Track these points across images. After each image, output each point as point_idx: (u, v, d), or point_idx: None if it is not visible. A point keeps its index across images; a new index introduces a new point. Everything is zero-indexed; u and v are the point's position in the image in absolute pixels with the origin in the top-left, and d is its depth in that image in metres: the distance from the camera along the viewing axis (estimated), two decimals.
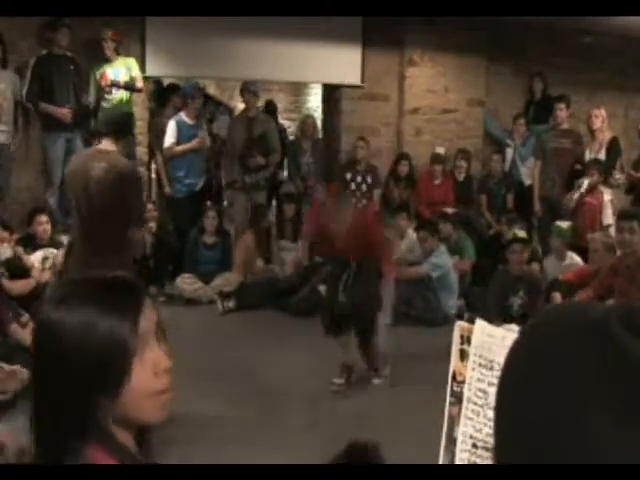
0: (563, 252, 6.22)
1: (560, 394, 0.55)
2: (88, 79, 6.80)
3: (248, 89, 7.30)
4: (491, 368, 0.99)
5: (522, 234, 5.86)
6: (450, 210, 7.48)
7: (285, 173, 8.39)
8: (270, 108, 9.70)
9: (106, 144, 4.08)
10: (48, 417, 1.02)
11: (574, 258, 6.16)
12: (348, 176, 7.70)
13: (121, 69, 6.88)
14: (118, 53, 6.86)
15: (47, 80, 6.49)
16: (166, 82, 8.61)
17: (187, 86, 8.06)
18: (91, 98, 6.84)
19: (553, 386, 0.56)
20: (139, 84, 6.95)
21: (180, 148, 7.19)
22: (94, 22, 6.55)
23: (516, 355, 0.61)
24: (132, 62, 6.95)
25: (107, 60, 6.82)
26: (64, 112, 6.49)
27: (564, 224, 6.43)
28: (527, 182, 7.79)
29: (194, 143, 7.19)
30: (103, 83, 6.80)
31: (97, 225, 3.89)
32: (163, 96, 8.21)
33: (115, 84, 6.79)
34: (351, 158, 7.81)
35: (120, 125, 4.26)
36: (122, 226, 3.90)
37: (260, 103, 9.57)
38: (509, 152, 8.08)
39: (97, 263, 3.74)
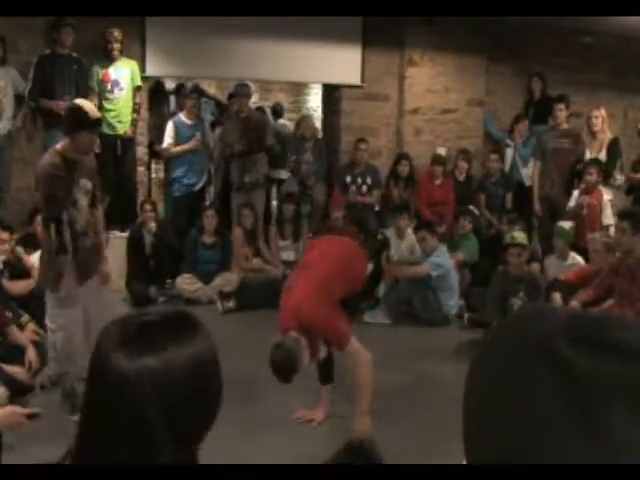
0: (565, 252, 6.21)
1: (515, 412, 0.55)
2: (91, 78, 6.80)
3: (241, 92, 7.31)
4: None
5: (521, 235, 5.85)
6: (472, 208, 7.56)
7: (284, 173, 8.40)
8: (277, 109, 9.75)
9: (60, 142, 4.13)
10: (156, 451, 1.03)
11: (576, 258, 6.15)
12: (348, 179, 7.69)
13: (124, 70, 6.89)
14: (122, 53, 6.88)
15: (49, 79, 6.49)
16: (168, 83, 8.63)
17: (186, 86, 8.08)
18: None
19: (510, 405, 0.56)
20: (138, 99, 7.03)
21: (178, 149, 7.20)
22: (97, 22, 6.55)
23: (474, 369, 0.62)
24: (135, 66, 6.96)
25: (110, 60, 6.82)
26: (61, 105, 6.46)
27: (566, 224, 6.42)
28: (528, 183, 7.77)
29: (191, 144, 7.20)
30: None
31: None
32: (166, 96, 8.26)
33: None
34: (351, 160, 7.81)
35: (65, 120, 4.12)
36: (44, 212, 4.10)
37: (269, 104, 9.62)
38: (509, 152, 8.08)
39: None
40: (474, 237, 7.11)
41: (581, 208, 6.76)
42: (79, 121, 3.93)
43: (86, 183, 4.10)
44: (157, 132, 7.63)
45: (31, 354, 4.37)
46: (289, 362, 3.55)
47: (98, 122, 4.17)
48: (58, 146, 4.04)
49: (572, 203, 6.92)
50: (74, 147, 3.98)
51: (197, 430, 1.07)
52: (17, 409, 2.11)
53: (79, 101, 4.24)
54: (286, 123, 9.72)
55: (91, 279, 4.20)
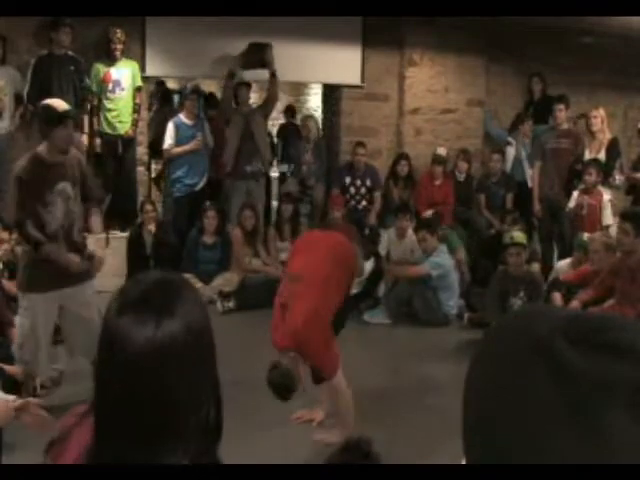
0: (583, 263, 5.91)
1: (514, 412, 0.55)
2: (90, 77, 6.80)
3: (242, 85, 7.35)
4: None
5: (520, 235, 5.84)
6: (428, 212, 7.47)
7: (275, 168, 8.42)
8: (289, 111, 9.76)
9: None
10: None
11: None
12: (347, 180, 7.69)
13: (125, 70, 6.90)
14: (123, 54, 6.89)
15: (47, 80, 6.50)
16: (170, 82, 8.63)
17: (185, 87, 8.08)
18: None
19: (507, 404, 0.56)
20: (138, 100, 7.04)
21: (179, 150, 7.20)
22: (98, 21, 6.56)
23: (473, 369, 0.62)
24: (136, 67, 6.97)
25: (112, 60, 6.83)
26: None
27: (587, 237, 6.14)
28: (532, 183, 7.72)
29: (192, 145, 7.21)
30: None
31: None
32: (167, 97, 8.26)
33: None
34: (350, 160, 7.81)
35: (38, 123, 4.14)
36: None
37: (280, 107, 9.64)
38: (510, 151, 8.06)
39: None
40: (453, 231, 7.12)
41: (581, 208, 6.75)
42: (50, 118, 3.84)
43: (66, 187, 3.95)
44: (161, 132, 7.63)
45: None
46: (287, 382, 3.55)
47: (68, 114, 3.97)
48: (38, 149, 3.94)
49: (572, 204, 6.91)
50: (52, 147, 3.88)
51: (214, 400, 1.08)
52: (9, 403, 2.11)
53: (48, 100, 4.12)
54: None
55: (74, 286, 4.06)
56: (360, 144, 7.68)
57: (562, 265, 6.27)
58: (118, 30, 6.75)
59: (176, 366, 1.01)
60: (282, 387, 3.55)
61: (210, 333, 1.09)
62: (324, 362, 3.67)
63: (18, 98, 6.58)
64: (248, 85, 7.46)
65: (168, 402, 1.01)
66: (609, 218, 6.68)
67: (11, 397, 2.18)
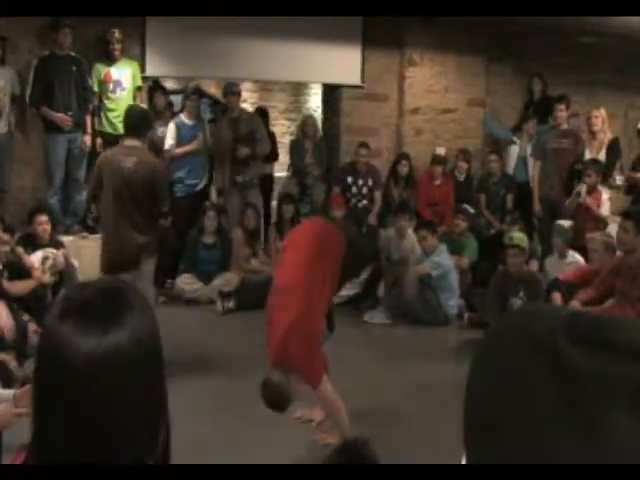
0: (564, 250, 6.21)
1: (515, 412, 0.55)
2: (90, 78, 6.81)
3: (230, 90, 7.33)
4: None
5: (519, 236, 5.85)
6: (467, 206, 7.53)
7: (284, 174, 8.40)
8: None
9: (131, 141, 4.61)
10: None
11: (575, 256, 6.15)
12: (349, 179, 7.69)
13: (126, 70, 6.91)
14: (122, 53, 6.90)
15: (49, 81, 6.51)
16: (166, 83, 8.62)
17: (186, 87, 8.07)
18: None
19: (508, 404, 0.56)
20: (139, 99, 7.05)
21: (180, 150, 7.20)
22: (98, 21, 6.56)
23: (474, 369, 0.62)
24: (136, 66, 6.98)
25: (112, 60, 6.84)
26: (65, 119, 6.52)
27: (565, 223, 6.42)
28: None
29: (192, 145, 7.21)
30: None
31: (131, 206, 4.57)
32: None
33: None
34: (352, 160, 7.80)
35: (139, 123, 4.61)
36: (149, 208, 4.66)
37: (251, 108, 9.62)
38: (514, 149, 8.05)
39: (130, 236, 4.55)
40: (473, 237, 7.10)
41: (578, 196, 6.70)
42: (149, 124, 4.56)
43: None
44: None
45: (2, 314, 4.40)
46: (279, 398, 3.57)
47: None
48: None
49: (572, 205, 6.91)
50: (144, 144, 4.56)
51: (161, 408, 1.00)
52: (9, 408, 2.10)
53: None
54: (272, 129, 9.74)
55: None
56: (363, 145, 7.67)
57: (552, 260, 6.35)
58: (115, 30, 6.76)
59: (120, 380, 0.93)
60: (274, 404, 3.59)
61: (159, 348, 1.00)
62: (306, 373, 3.67)
63: (15, 99, 6.59)
64: (238, 94, 7.45)
65: (111, 419, 0.93)
66: (606, 210, 6.76)
67: (10, 391, 2.17)
